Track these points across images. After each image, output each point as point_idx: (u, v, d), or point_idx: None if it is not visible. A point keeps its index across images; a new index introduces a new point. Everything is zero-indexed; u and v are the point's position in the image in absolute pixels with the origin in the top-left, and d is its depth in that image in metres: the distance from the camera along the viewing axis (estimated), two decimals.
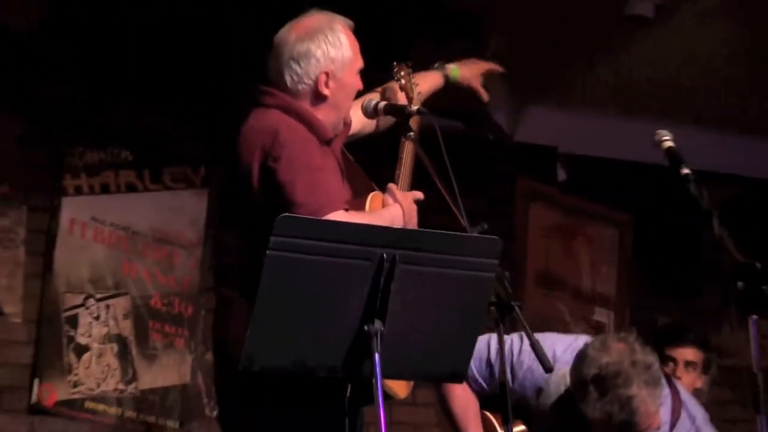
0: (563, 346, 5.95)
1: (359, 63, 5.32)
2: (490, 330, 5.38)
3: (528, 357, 5.98)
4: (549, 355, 5.81)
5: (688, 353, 7.39)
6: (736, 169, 9.71)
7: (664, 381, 5.70)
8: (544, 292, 9.56)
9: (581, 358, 5.58)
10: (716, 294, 9.35)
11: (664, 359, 7.38)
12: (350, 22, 5.39)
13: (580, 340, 5.83)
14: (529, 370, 5.99)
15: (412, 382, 5.54)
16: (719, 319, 9.50)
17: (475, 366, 5.77)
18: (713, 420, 7.66)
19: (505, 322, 5.12)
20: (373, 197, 5.48)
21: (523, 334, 5.69)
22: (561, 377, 5.80)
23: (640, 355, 5.51)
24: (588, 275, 9.78)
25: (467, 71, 5.84)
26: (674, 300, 9.94)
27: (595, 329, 9.71)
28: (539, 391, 5.98)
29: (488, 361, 5.97)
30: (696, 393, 7.51)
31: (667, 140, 5.64)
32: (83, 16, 7.81)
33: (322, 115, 5.21)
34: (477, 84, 5.89)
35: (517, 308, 5.13)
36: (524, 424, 6.06)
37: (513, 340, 6.05)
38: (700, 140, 7.81)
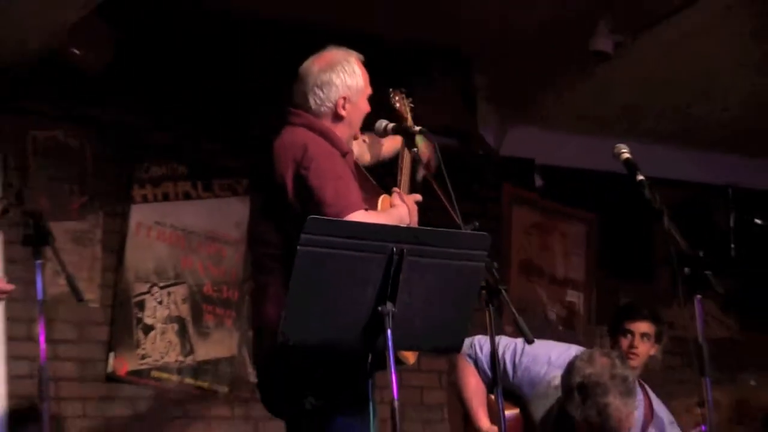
0: (557, 353, 6.05)
1: (369, 90, 5.46)
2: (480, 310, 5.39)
3: (526, 359, 6.10)
4: (545, 359, 6.10)
5: (642, 326, 7.42)
6: (682, 176, 9.73)
7: (638, 390, 5.83)
8: (526, 279, 9.56)
9: (570, 367, 5.65)
10: (667, 278, 9.40)
11: (624, 332, 7.44)
12: (362, 57, 5.50)
13: (572, 350, 5.95)
14: (526, 369, 6.09)
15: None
16: (669, 299, 9.48)
17: (486, 361, 5.81)
18: (666, 382, 7.73)
19: (493, 303, 5.19)
20: (383, 199, 5.55)
21: (524, 340, 5.73)
22: (552, 379, 5.91)
23: (619, 369, 5.58)
24: (561, 264, 9.78)
25: (424, 147, 5.86)
26: (632, 283, 9.93)
27: (567, 308, 9.75)
28: (533, 386, 6.05)
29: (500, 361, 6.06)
30: (651, 359, 7.58)
31: (625, 152, 5.73)
32: (144, 59, 7.87)
33: (340, 131, 5.33)
34: (428, 160, 5.90)
35: (503, 291, 5.24)
36: (518, 409, 6.11)
37: (516, 343, 6.15)
38: (652, 152, 7.85)
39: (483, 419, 6.13)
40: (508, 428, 5.80)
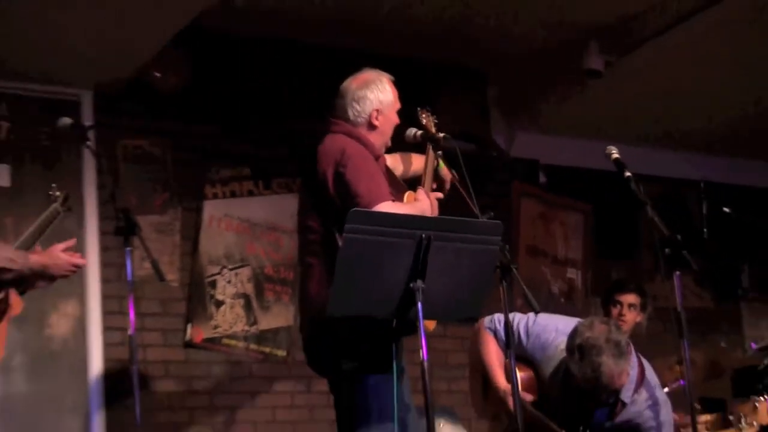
0: (564, 323, 6.05)
1: (398, 105, 5.52)
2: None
3: (537, 328, 6.15)
4: (553, 328, 6.16)
5: (630, 298, 7.43)
6: (662, 173, 9.70)
7: (632, 354, 5.83)
8: (532, 260, 9.52)
9: (574, 331, 5.72)
10: (650, 258, 9.37)
11: (614, 303, 7.46)
12: (392, 77, 5.55)
13: (575, 321, 5.93)
14: (537, 336, 6.12)
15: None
16: (653, 275, 9.48)
17: (503, 332, 5.78)
18: (650, 345, 7.70)
19: (506, 280, 5.22)
20: (408, 195, 5.55)
21: (536, 314, 6.09)
22: (559, 344, 5.92)
23: (614, 334, 5.63)
24: (562, 247, 9.74)
25: (445, 170, 5.89)
26: (621, 262, 9.89)
27: (568, 284, 9.73)
28: (544, 350, 6.07)
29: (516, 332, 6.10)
30: (637, 326, 7.59)
31: (614, 153, 5.77)
32: (215, 81, 7.89)
33: (374, 139, 5.39)
34: (446, 179, 5.92)
35: (514, 270, 5.28)
36: (532, 371, 6.13)
37: (528, 317, 6.19)
38: (638, 153, 7.83)
39: (501, 379, 6.15)
40: (523, 386, 5.92)
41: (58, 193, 5.81)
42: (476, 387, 6.57)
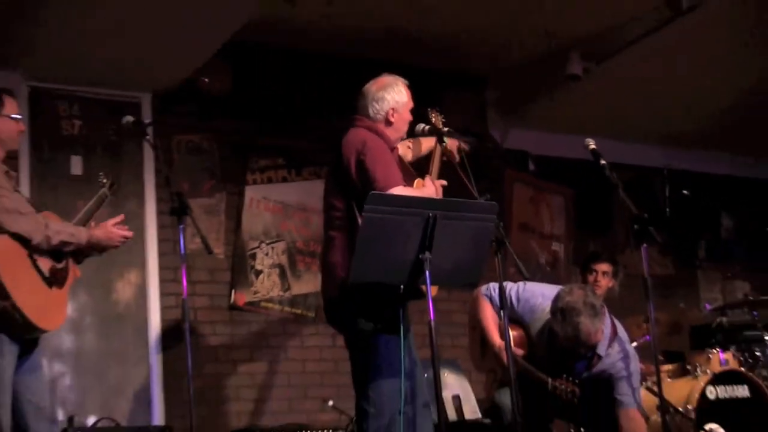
0: (549, 290, 6.09)
1: (411, 105, 5.45)
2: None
3: (527, 293, 6.24)
4: (539, 293, 6.26)
5: (603, 266, 7.38)
6: (631, 161, 9.65)
7: (605, 315, 5.92)
8: (523, 235, 9.52)
9: (557, 296, 5.81)
10: (622, 232, 9.32)
11: (590, 270, 7.41)
12: (407, 81, 5.52)
13: (559, 288, 6.01)
14: (526, 301, 6.18)
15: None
16: (624, 247, 9.47)
17: (498, 298, 5.78)
18: (621, 306, 7.65)
19: (500, 252, 5.23)
20: (418, 181, 5.54)
21: (525, 282, 6.23)
22: (546, 307, 6.00)
23: (590, 298, 5.76)
24: (548, 224, 9.71)
25: (450, 143, 5.87)
26: (597, 237, 9.86)
27: (552, 255, 9.71)
28: (532, 313, 6.13)
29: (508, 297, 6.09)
30: (610, 290, 7.55)
31: (592, 144, 5.72)
32: (253, 85, 7.87)
33: (389, 133, 5.36)
34: (453, 151, 5.89)
35: (507, 244, 5.26)
36: (522, 330, 6.15)
37: (519, 284, 6.24)
38: (611, 144, 7.78)
39: (495, 337, 6.18)
40: (515, 342, 5.93)
41: (105, 180, 5.81)
42: (474, 345, 6.61)
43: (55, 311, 5.35)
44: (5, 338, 5.21)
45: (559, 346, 5.88)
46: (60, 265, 5.40)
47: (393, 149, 5.44)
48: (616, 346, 6.08)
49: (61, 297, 5.39)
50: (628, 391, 6.04)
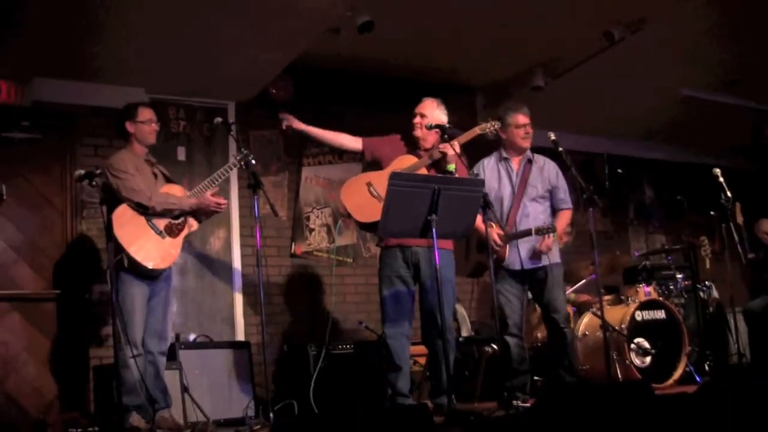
0: None
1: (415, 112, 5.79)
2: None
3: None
4: None
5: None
6: (581, 148, 9.59)
7: None
8: None
9: None
10: (575, 200, 9.30)
11: None
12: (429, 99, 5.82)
13: None
14: None
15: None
16: (576, 210, 9.47)
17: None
18: (574, 255, 7.62)
19: (486, 213, 5.24)
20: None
21: None
22: None
23: None
24: None
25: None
26: None
27: None
28: None
29: None
30: (567, 244, 7.51)
31: (552, 136, 5.74)
32: (308, 95, 7.85)
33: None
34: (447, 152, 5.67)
35: (490, 207, 5.27)
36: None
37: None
38: (568, 136, 7.74)
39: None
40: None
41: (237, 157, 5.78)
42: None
43: (165, 255, 5.44)
44: (131, 277, 5.33)
45: None
46: (177, 221, 5.52)
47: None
48: None
49: (173, 244, 5.48)
50: None
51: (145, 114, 5.72)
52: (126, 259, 5.25)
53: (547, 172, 6.04)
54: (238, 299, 7.51)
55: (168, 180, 5.81)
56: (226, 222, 7.56)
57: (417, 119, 5.77)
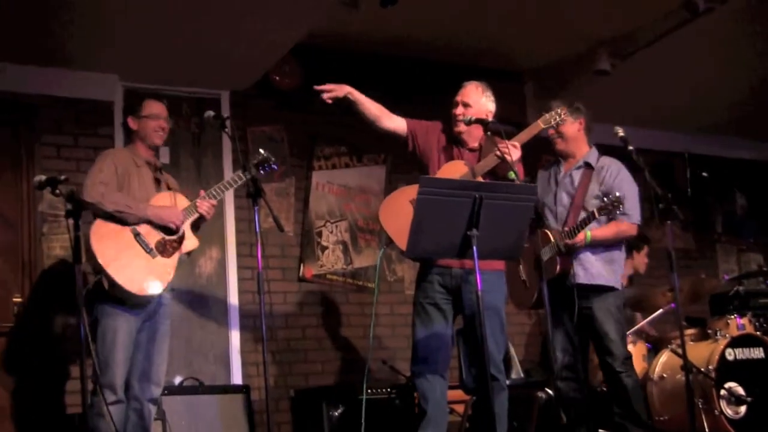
0: None
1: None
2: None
3: None
4: None
5: None
6: (655, 146, 9.55)
7: None
8: None
9: None
10: (648, 210, 9.20)
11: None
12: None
13: None
14: None
15: None
16: (650, 222, 9.37)
17: None
18: (649, 277, 7.54)
19: (539, 226, 5.20)
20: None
21: None
22: None
23: None
24: None
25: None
26: None
27: None
28: None
29: None
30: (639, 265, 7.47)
31: (620, 132, 5.59)
32: (319, 82, 7.85)
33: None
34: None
35: (545, 221, 5.24)
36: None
37: None
38: (637, 131, 7.69)
39: None
40: None
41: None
42: (514, 281, 6.18)
43: (155, 278, 5.40)
44: (112, 306, 5.31)
45: None
46: (171, 237, 5.48)
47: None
48: None
49: (166, 265, 5.46)
50: None
51: (152, 107, 5.74)
52: (106, 280, 5.21)
53: (606, 176, 6.04)
54: (235, 334, 7.49)
55: (170, 190, 5.79)
56: (219, 240, 7.55)
57: (459, 110, 5.65)
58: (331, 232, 8.05)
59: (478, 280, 4.76)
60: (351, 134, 8.05)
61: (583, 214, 5.92)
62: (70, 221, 4.67)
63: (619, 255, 6.11)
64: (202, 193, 5.71)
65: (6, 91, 6.76)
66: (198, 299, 7.44)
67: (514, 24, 7.59)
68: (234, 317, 7.51)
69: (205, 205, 5.64)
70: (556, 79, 8.43)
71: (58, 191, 4.70)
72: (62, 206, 5.61)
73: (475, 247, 4.73)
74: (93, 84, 6.39)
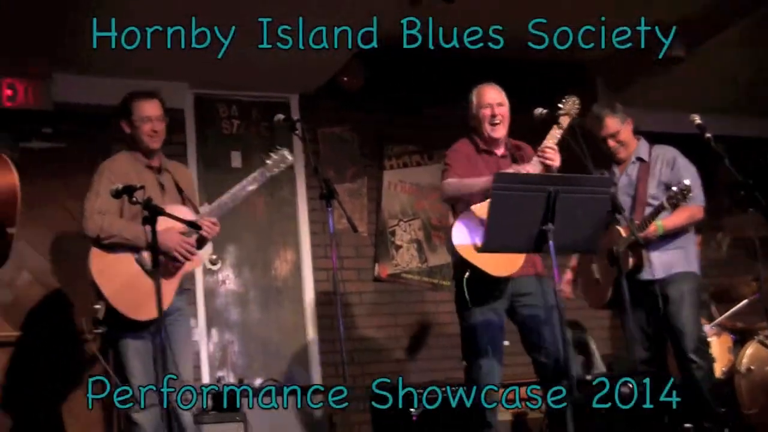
0: None
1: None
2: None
3: None
4: None
5: None
6: (730, 133, 9.36)
7: None
8: None
9: None
10: (727, 197, 8.98)
11: None
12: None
13: None
14: None
15: None
16: (731, 210, 9.16)
17: None
18: (730, 265, 7.39)
19: (615, 219, 5.14)
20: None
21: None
22: None
23: None
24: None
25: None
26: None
27: None
28: None
29: None
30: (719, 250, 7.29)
31: (697, 119, 5.51)
32: (384, 82, 7.83)
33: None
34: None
35: (623, 211, 5.15)
36: None
37: None
38: (714, 119, 7.54)
39: None
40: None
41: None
42: (587, 280, 6.18)
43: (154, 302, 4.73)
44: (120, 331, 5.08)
45: None
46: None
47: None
48: None
49: (167, 286, 5.06)
50: None
51: (142, 109, 5.36)
52: (104, 308, 4.98)
53: (662, 166, 5.96)
54: (312, 335, 7.53)
55: (181, 192, 5.49)
56: (294, 242, 7.58)
57: (501, 110, 5.59)
58: (405, 231, 8.03)
59: (555, 274, 4.78)
60: (418, 134, 8.06)
61: (648, 209, 5.81)
62: (147, 228, 4.58)
63: (691, 239, 6.00)
64: (206, 207, 5.41)
65: (78, 104, 6.86)
66: (274, 302, 7.49)
67: (578, 11, 7.48)
68: (310, 318, 7.53)
69: (205, 225, 5.24)
70: (625, 68, 8.34)
71: (134, 198, 4.62)
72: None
73: (551, 242, 4.70)
74: (163, 92, 6.40)
